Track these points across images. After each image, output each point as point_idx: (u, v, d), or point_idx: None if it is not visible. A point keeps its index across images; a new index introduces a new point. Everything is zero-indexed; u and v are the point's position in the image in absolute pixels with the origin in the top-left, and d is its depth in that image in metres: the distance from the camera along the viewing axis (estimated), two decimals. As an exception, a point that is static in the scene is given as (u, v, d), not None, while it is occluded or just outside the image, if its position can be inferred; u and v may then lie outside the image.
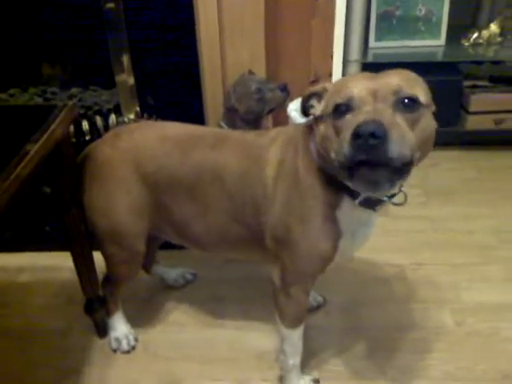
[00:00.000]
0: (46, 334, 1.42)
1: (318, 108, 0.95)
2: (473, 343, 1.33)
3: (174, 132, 1.18)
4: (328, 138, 0.89)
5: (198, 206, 1.13)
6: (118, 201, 1.16)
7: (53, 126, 0.97)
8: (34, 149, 0.88)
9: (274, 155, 1.06)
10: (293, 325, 1.12)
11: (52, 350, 1.36)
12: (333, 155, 0.87)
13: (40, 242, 1.81)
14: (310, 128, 1.01)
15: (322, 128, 0.91)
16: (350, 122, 0.82)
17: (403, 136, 0.80)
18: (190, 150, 1.12)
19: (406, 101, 0.83)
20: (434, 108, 0.90)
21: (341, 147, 0.82)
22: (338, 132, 0.86)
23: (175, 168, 1.12)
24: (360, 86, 0.85)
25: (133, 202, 1.16)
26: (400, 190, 0.99)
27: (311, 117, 0.98)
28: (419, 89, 0.86)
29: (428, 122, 0.87)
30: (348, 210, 0.99)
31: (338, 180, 0.95)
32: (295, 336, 1.14)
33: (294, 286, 1.08)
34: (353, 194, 0.95)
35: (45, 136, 0.92)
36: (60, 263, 1.67)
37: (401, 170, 0.81)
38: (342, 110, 0.85)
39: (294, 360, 1.17)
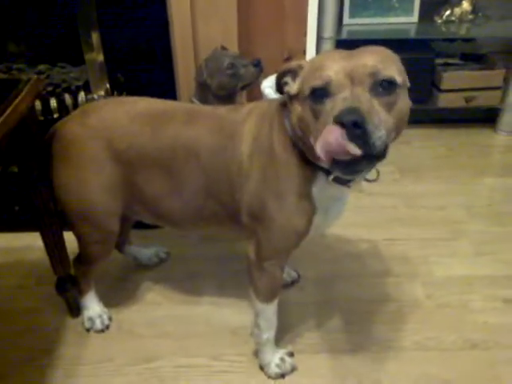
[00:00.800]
0: (17, 314, 1.39)
1: (292, 86, 0.93)
2: (442, 315, 1.37)
3: (145, 108, 1.15)
4: (306, 121, 0.88)
5: (172, 183, 1.11)
6: (89, 180, 1.13)
7: (17, 100, 0.93)
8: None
9: (248, 131, 1.04)
10: (267, 299, 1.13)
11: (23, 331, 1.34)
12: (311, 139, 0.87)
13: (9, 222, 1.77)
14: (284, 105, 1.00)
15: (298, 109, 0.90)
16: (329, 108, 0.81)
17: (382, 121, 0.80)
18: (162, 127, 1.10)
19: (383, 83, 0.82)
20: (408, 85, 0.89)
21: (319, 140, 0.81)
22: (315, 117, 0.85)
23: (147, 145, 1.10)
24: (336, 68, 0.83)
25: (105, 181, 1.13)
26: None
27: (285, 94, 0.97)
28: (395, 68, 0.86)
29: (404, 102, 0.87)
30: (322, 186, 0.99)
31: (305, 157, 0.96)
32: (270, 311, 1.15)
33: (269, 261, 1.08)
34: (327, 171, 0.95)
35: (8, 110, 0.88)
36: (30, 243, 1.65)
37: (379, 155, 0.81)
38: (319, 94, 0.84)
39: (269, 334, 1.18)
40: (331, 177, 0.96)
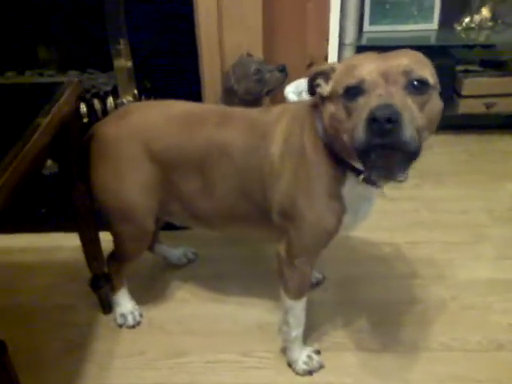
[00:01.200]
0: (52, 310, 1.44)
1: (324, 87, 0.97)
2: (467, 316, 1.39)
3: (180, 110, 1.20)
4: (339, 119, 0.91)
5: (206, 182, 1.15)
6: (127, 179, 1.17)
7: (61, 101, 0.98)
8: (46, 121, 0.90)
9: (279, 132, 1.08)
10: (297, 296, 1.16)
11: (59, 325, 1.39)
12: (344, 137, 0.90)
13: (36, 224, 1.82)
14: (315, 106, 1.04)
15: (331, 108, 0.93)
16: (363, 105, 0.84)
17: (415, 119, 0.83)
18: (197, 128, 1.14)
19: (416, 83, 0.85)
20: (439, 88, 0.92)
21: (355, 131, 0.85)
22: (349, 114, 0.88)
23: (183, 146, 1.14)
24: (370, 68, 0.87)
25: (142, 180, 1.17)
26: None
27: (317, 95, 1.00)
28: (427, 70, 0.89)
29: (436, 103, 0.90)
30: (352, 187, 1.02)
31: (337, 157, 0.99)
32: (299, 308, 1.18)
33: (299, 259, 1.11)
34: (357, 171, 0.99)
35: (54, 109, 0.94)
36: (60, 243, 1.70)
37: (413, 153, 0.84)
38: (353, 92, 0.87)
39: (297, 331, 1.21)
40: (361, 177, 0.99)
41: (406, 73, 0.85)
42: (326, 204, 1.04)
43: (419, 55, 0.92)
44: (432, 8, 2.22)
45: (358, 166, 0.97)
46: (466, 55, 2.34)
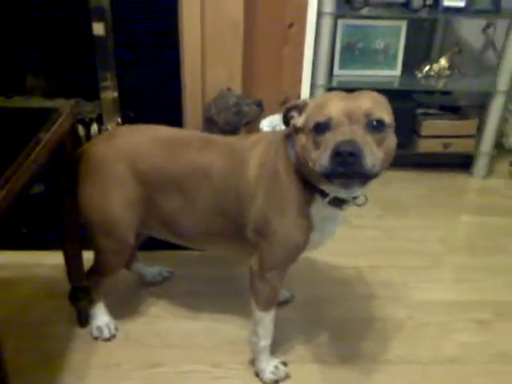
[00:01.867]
0: (29, 324, 1.48)
1: (297, 119, 1.10)
2: (422, 334, 1.50)
3: (166, 134, 1.31)
4: (307, 149, 1.04)
5: (186, 202, 1.25)
6: (112, 195, 1.26)
7: (60, 119, 1.09)
8: (46, 137, 0.99)
9: (255, 157, 1.20)
10: (266, 308, 1.25)
11: (35, 339, 1.43)
12: (311, 164, 1.03)
13: (16, 243, 1.87)
14: (287, 136, 1.17)
15: (302, 139, 1.06)
16: (330, 139, 0.98)
17: (373, 153, 0.97)
18: (181, 151, 1.25)
19: (375, 123, 1.00)
20: (394, 125, 1.06)
21: (321, 160, 0.98)
22: (316, 146, 1.02)
23: (167, 167, 1.24)
24: (337, 108, 1.00)
25: (126, 197, 1.26)
26: (362, 194, 1.15)
27: (291, 126, 1.13)
28: (385, 111, 1.03)
29: (391, 139, 1.04)
30: (319, 208, 1.15)
31: (306, 181, 1.12)
32: (268, 319, 1.27)
33: (271, 272, 1.21)
34: (323, 194, 1.11)
35: (55, 126, 1.04)
36: (37, 261, 1.75)
37: (369, 177, 0.99)
38: (321, 127, 1.01)
39: (265, 342, 1.30)
40: (327, 199, 1.12)
41: (367, 114, 0.99)
42: (296, 222, 1.16)
43: (379, 97, 1.06)
44: (396, 56, 2.43)
45: (324, 189, 1.10)
46: (426, 100, 2.55)
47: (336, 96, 1.05)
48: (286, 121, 1.15)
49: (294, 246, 1.19)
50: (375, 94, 1.06)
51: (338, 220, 1.24)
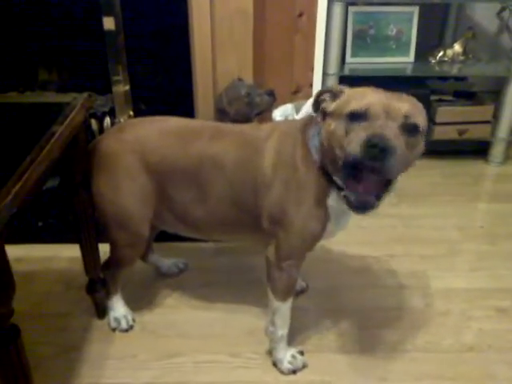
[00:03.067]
0: (48, 316, 1.50)
1: (329, 104, 1.07)
2: (441, 322, 1.49)
3: (175, 125, 1.31)
4: (337, 135, 1.01)
5: (199, 192, 1.25)
6: (124, 188, 1.27)
7: (74, 112, 1.09)
8: (60, 130, 1.00)
9: (271, 147, 1.18)
10: (284, 298, 1.25)
11: (53, 330, 1.45)
12: (338, 151, 1.01)
13: (32, 236, 1.88)
14: (306, 125, 1.15)
15: (332, 124, 1.03)
16: (364, 129, 0.96)
17: (403, 155, 0.95)
18: (191, 141, 1.25)
19: (411, 126, 0.98)
20: (425, 134, 1.05)
21: (351, 147, 0.96)
22: (347, 133, 0.99)
23: (177, 158, 1.24)
24: (378, 101, 0.99)
25: (138, 189, 1.27)
26: None
27: (320, 110, 1.10)
28: (422, 118, 1.02)
29: (420, 147, 1.03)
30: (335, 199, 1.13)
31: (325, 173, 1.10)
32: (285, 308, 1.26)
33: (287, 261, 1.21)
34: (340, 187, 1.10)
35: (68, 119, 1.04)
36: (54, 254, 1.77)
37: (389, 181, 0.98)
38: (356, 116, 0.98)
39: (283, 331, 1.30)
40: (343, 193, 1.09)
41: (406, 116, 0.97)
42: (313, 212, 1.15)
43: (419, 104, 1.04)
44: (408, 43, 2.40)
45: (340, 183, 1.08)
46: (440, 86, 2.51)
47: (376, 90, 1.04)
48: (317, 104, 1.11)
49: (310, 235, 1.18)
50: (415, 100, 1.05)
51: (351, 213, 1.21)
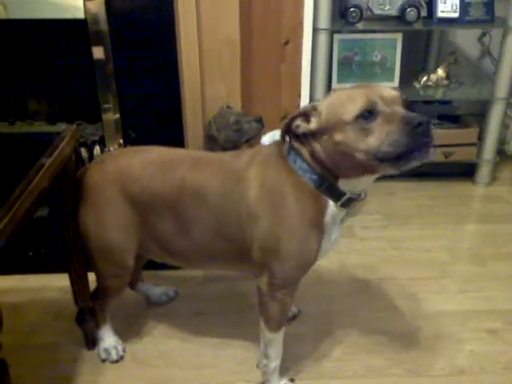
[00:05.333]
0: (36, 348, 1.48)
1: (306, 126, 1.07)
2: (432, 345, 1.49)
3: (157, 156, 1.29)
4: (352, 141, 1.01)
5: (181, 223, 1.23)
6: (106, 219, 1.26)
7: (62, 144, 1.10)
8: (49, 161, 1.01)
9: (254, 176, 1.16)
10: (277, 328, 1.24)
11: (42, 363, 1.43)
12: (362, 154, 1.00)
13: (23, 267, 1.87)
14: (281, 151, 1.15)
15: (337, 136, 1.02)
16: (386, 121, 0.97)
17: None
18: (171, 172, 1.23)
19: (407, 103, 1.03)
20: None
21: (391, 138, 0.96)
22: (366, 133, 0.99)
23: (158, 189, 1.23)
24: (372, 94, 1.01)
25: (120, 220, 1.26)
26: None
27: (300, 135, 1.09)
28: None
29: None
30: (331, 213, 1.13)
31: (325, 187, 1.10)
32: (279, 338, 1.26)
33: (282, 291, 1.19)
34: (337, 198, 1.11)
35: (57, 151, 1.05)
36: (44, 284, 1.76)
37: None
38: (365, 115, 0.99)
39: (276, 362, 1.29)
40: (339, 202, 1.11)
41: (400, 96, 1.03)
42: (308, 235, 1.13)
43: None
44: (393, 68, 2.45)
45: (346, 188, 1.10)
46: (425, 110, 2.56)
47: (354, 88, 1.06)
48: (289, 132, 1.10)
49: (307, 260, 1.17)
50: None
51: (339, 223, 1.21)
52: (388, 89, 1.04)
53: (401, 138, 0.96)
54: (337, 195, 1.11)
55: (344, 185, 1.10)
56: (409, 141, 0.96)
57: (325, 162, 1.08)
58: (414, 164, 1.00)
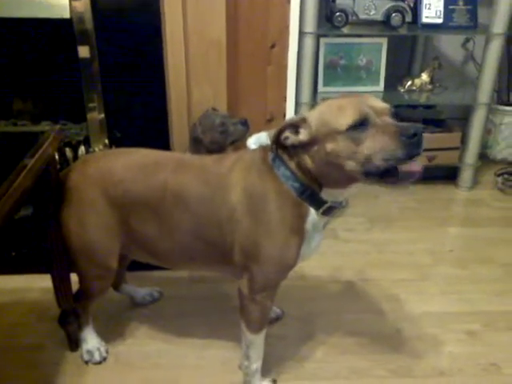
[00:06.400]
0: (19, 349, 1.47)
1: (296, 137, 1.08)
2: (412, 346, 1.51)
3: (139, 157, 1.29)
4: (344, 151, 1.02)
5: (163, 226, 1.23)
6: (88, 222, 1.26)
7: (46, 144, 1.10)
8: (32, 162, 1.00)
9: (236, 182, 1.17)
10: (258, 329, 1.24)
11: (25, 365, 1.42)
12: (351, 166, 1.02)
13: (5, 267, 1.85)
14: (266, 156, 1.16)
15: (328, 146, 1.03)
16: (379, 132, 0.99)
17: None
18: (153, 175, 1.23)
19: (393, 114, 1.05)
20: None
21: (386, 150, 0.97)
22: (358, 143, 1.00)
23: (140, 191, 1.23)
24: (362, 105, 1.02)
25: (102, 223, 1.26)
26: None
27: (289, 146, 1.10)
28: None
29: None
30: (311, 220, 1.15)
31: (306, 195, 1.11)
32: (259, 340, 1.26)
33: (261, 294, 1.20)
34: (318, 205, 1.12)
35: (40, 152, 1.05)
36: (27, 285, 1.74)
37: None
38: (357, 125, 1.00)
39: (257, 364, 1.29)
40: (321, 210, 1.13)
41: (387, 107, 1.04)
42: (288, 240, 1.15)
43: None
44: (378, 72, 2.48)
45: (329, 198, 1.11)
46: (410, 114, 2.59)
47: (343, 98, 1.06)
48: (279, 143, 1.11)
49: (286, 265, 1.18)
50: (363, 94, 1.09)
51: (321, 229, 1.22)
52: (377, 100, 1.05)
53: (397, 150, 0.97)
54: (318, 203, 1.13)
55: (327, 194, 1.12)
56: (403, 152, 0.97)
57: (312, 171, 1.09)
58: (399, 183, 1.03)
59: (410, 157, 0.99)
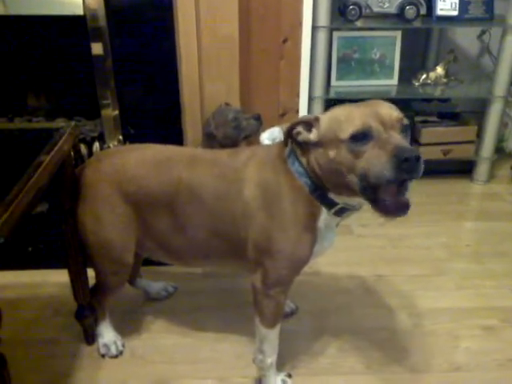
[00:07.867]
0: (36, 343, 1.49)
1: (306, 134, 1.08)
2: (428, 341, 1.50)
3: (152, 153, 1.29)
4: (343, 161, 1.01)
5: (177, 221, 1.24)
6: (103, 218, 1.27)
7: (61, 141, 1.11)
8: (48, 158, 1.01)
9: (251, 177, 1.17)
10: (272, 324, 1.24)
11: (41, 358, 1.44)
12: (349, 177, 1.01)
13: (22, 262, 1.88)
14: (281, 151, 1.15)
15: (331, 153, 1.03)
16: (379, 148, 0.96)
17: None
18: (167, 169, 1.24)
19: (404, 128, 1.02)
20: None
21: (376, 169, 0.95)
22: (357, 156, 0.99)
23: (153, 187, 1.23)
24: (371, 116, 1.00)
25: (117, 219, 1.27)
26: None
27: (300, 141, 1.10)
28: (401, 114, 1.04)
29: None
30: (324, 219, 1.15)
31: (317, 194, 1.10)
32: (274, 335, 1.26)
33: (275, 289, 1.20)
34: (329, 206, 1.12)
35: (56, 148, 1.06)
36: (43, 280, 1.76)
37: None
38: (360, 137, 0.98)
39: (272, 358, 1.29)
40: (333, 210, 1.12)
41: (399, 120, 1.01)
42: (301, 237, 1.15)
43: (391, 104, 1.06)
44: (392, 66, 2.46)
45: (339, 200, 1.10)
46: (425, 107, 2.57)
47: (356, 106, 1.05)
48: (290, 136, 1.11)
49: (299, 261, 1.18)
50: (384, 101, 1.06)
51: (335, 228, 1.23)
52: (391, 110, 1.02)
53: (385, 169, 0.94)
54: (329, 204, 1.12)
55: (335, 197, 1.11)
56: (390, 174, 0.94)
57: (317, 173, 1.09)
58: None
59: (399, 180, 0.96)
